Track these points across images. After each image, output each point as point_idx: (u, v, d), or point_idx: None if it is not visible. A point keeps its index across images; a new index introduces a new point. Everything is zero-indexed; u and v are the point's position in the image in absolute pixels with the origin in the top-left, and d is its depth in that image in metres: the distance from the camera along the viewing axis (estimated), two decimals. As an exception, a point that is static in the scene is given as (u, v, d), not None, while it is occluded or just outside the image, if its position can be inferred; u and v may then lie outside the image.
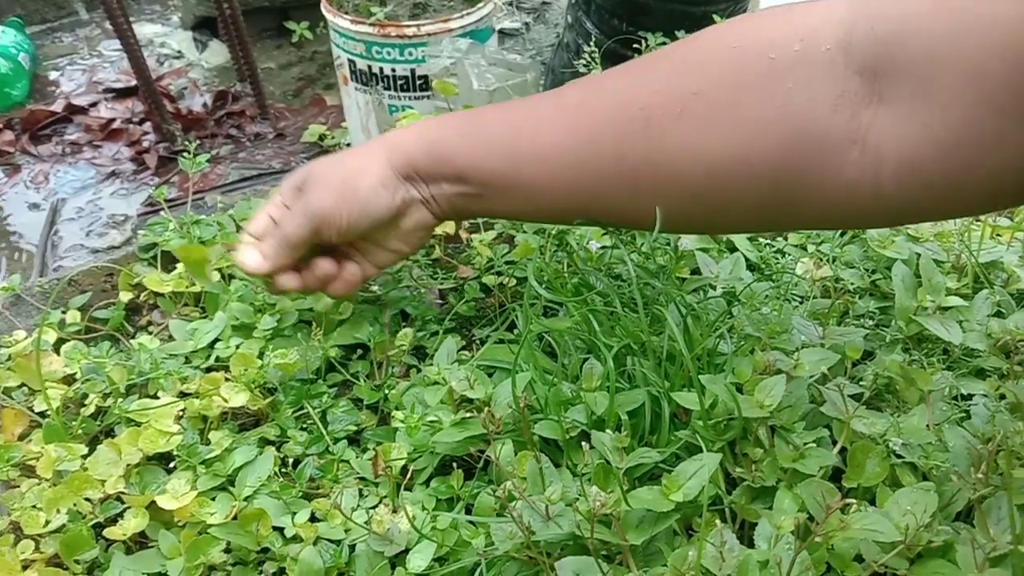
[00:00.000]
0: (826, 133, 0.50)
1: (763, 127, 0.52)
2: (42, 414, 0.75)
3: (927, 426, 0.57)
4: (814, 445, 0.55)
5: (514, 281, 0.86)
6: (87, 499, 0.64)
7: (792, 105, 0.50)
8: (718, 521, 0.49)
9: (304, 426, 0.72)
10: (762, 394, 0.57)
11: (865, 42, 0.49)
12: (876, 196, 0.51)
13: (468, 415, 0.64)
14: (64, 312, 0.87)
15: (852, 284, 0.78)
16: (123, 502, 0.65)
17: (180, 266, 0.88)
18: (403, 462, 0.65)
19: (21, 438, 0.74)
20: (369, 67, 1.49)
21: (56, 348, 0.82)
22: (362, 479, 0.66)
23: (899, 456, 0.54)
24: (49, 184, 2.05)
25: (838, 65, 0.49)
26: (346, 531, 0.61)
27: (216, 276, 0.80)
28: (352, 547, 0.60)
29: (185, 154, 1.01)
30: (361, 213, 0.66)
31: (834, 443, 0.58)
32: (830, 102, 0.49)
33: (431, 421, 0.65)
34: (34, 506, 0.63)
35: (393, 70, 1.47)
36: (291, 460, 0.69)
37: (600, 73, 0.66)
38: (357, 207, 0.66)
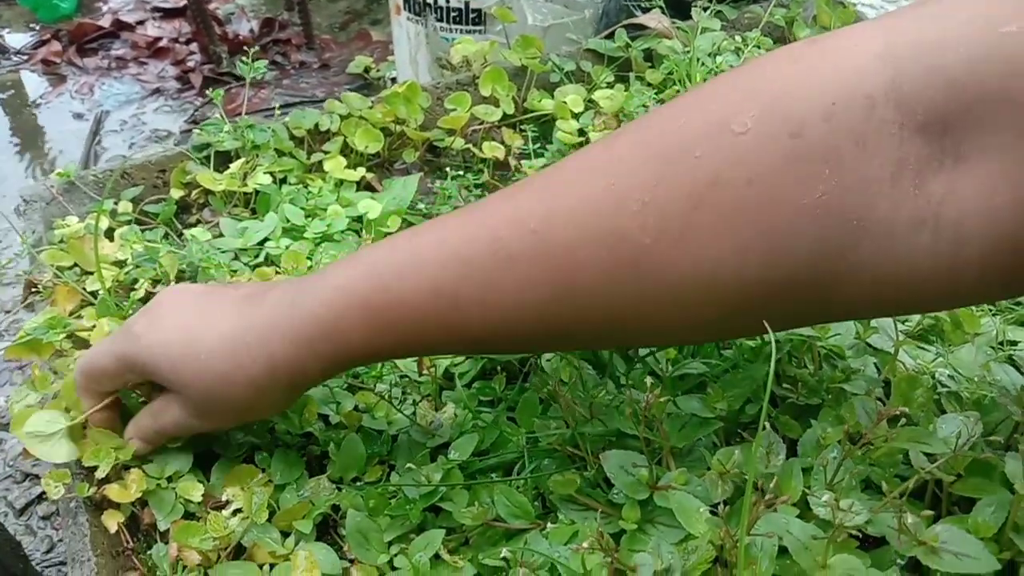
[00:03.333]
0: (889, 219, 0.38)
1: (803, 229, 0.38)
2: (93, 294, 0.76)
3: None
4: (861, 369, 0.56)
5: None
6: (138, 372, 0.66)
7: (840, 194, 0.38)
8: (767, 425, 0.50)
9: (349, 325, 0.73)
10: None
11: (923, 85, 0.36)
12: (952, 284, 0.39)
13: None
14: (116, 203, 0.88)
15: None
16: (172, 378, 0.66)
17: (233, 166, 0.89)
18: (446, 364, 0.66)
19: (71, 314, 0.75)
20: (423, -3, 1.49)
21: (107, 235, 0.83)
22: (404, 378, 0.67)
23: (944, 386, 0.55)
24: (94, 96, 2.06)
25: (889, 124, 0.37)
26: (389, 423, 0.63)
27: None
28: (394, 437, 0.62)
29: (243, 59, 1.01)
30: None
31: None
32: (888, 175, 0.37)
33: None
34: (86, 374, 0.65)
35: (447, 1, 1.46)
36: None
37: (526, 189, 0.47)
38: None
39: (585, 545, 0.42)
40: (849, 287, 0.40)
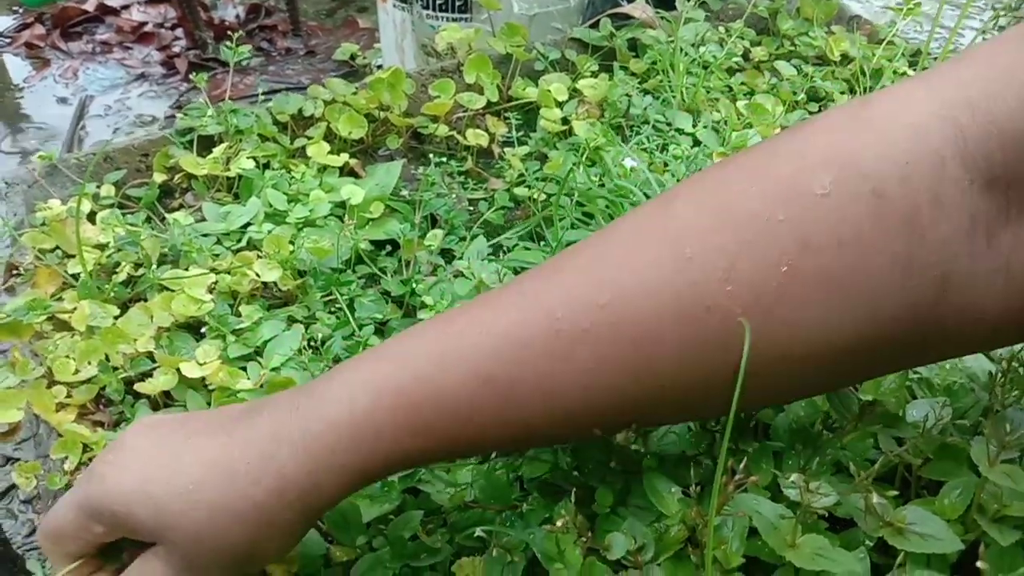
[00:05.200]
0: (969, 272, 0.38)
1: (891, 289, 0.38)
2: (75, 276, 0.76)
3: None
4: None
5: (544, 196, 0.87)
6: (119, 353, 0.66)
7: (923, 253, 0.38)
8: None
9: (332, 311, 0.73)
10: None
11: (985, 142, 0.37)
12: (1019, 325, 0.41)
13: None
14: (99, 186, 0.88)
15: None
16: (154, 361, 0.67)
17: (216, 150, 0.89)
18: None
19: (52, 297, 0.75)
20: (409, -16, 1.48)
21: (89, 219, 0.83)
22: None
23: (916, 372, 0.56)
24: (78, 80, 2.05)
25: (959, 181, 0.37)
26: (369, 406, 0.63)
27: None
28: (374, 420, 0.62)
29: (227, 44, 1.01)
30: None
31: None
32: (965, 231, 0.37)
33: (459, 310, 0.66)
34: (67, 356, 0.65)
35: (433, -11, 1.46)
36: (318, 339, 0.70)
37: (595, 256, 0.43)
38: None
39: (558, 524, 0.43)
40: (938, 336, 0.41)
